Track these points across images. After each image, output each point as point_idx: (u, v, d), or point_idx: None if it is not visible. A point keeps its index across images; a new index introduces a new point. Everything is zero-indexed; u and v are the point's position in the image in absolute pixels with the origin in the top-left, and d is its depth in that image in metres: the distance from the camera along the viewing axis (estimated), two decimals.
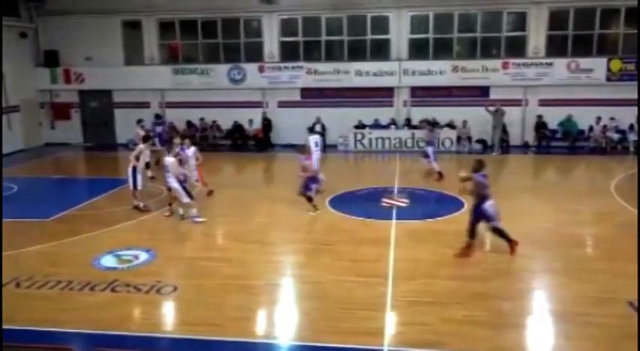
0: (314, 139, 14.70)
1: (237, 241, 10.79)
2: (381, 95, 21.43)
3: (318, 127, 20.93)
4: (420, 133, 20.60)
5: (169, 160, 11.80)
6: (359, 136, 21.05)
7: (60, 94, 23.29)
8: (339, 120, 21.13)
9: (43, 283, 8.69)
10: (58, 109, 23.45)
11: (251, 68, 21.72)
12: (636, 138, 19.51)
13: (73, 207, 13.10)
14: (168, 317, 7.94)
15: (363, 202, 13.38)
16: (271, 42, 21.81)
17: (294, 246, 10.41)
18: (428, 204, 13.52)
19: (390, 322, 7.35)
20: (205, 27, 22.15)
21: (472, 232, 9.52)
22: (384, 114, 21.41)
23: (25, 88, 22.25)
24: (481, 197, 9.37)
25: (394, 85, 21.26)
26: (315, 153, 14.20)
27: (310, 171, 12.40)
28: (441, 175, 15.38)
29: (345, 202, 13.38)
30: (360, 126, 21.30)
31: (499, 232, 9.52)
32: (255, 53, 21.96)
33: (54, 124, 23.54)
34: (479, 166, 9.50)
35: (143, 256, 9.86)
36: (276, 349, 6.88)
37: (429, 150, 15.82)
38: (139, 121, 18.26)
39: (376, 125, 21.39)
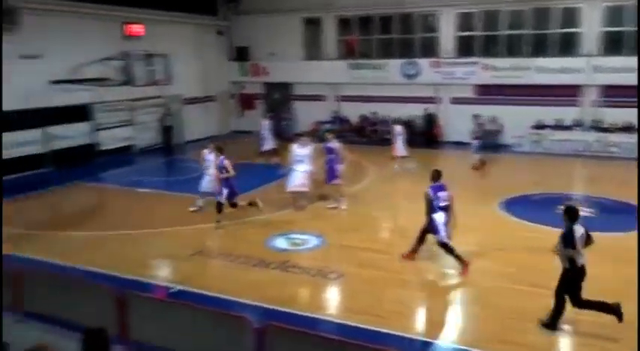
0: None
1: (402, 236, 10.72)
2: (565, 94, 19.70)
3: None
4: (613, 137, 18.61)
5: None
6: (536, 137, 19.62)
7: (245, 85, 25.39)
8: (515, 119, 19.89)
9: (225, 257, 9.58)
10: (245, 100, 25.63)
11: (425, 64, 21.46)
12: None
13: (251, 190, 13.87)
14: (333, 301, 8.28)
15: (539, 208, 12.47)
16: (447, 37, 21.34)
17: (460, 247, 10.02)
18: (617, 215, 12.08)
19: (564, 342, 6.77)
20: (381, 22, 22.41)
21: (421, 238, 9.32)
22: (567, 114, 19.68)
23: (220, 81, 24.73)
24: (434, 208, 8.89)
25: (582, 82, 19.39)
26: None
27: (231, 172, 11.17)
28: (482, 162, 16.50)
29: (518, 205, 12.60)
30: (540, 126, 19.84)
31: (447, 249, 8.93)
32: (429, 48, 21.68)
33: (242, 113, 25.74)
34: (437, 177, 9.07)
35: (313, 241, 10.38)
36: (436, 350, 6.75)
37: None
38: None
39: (558, 126, 19.73)
